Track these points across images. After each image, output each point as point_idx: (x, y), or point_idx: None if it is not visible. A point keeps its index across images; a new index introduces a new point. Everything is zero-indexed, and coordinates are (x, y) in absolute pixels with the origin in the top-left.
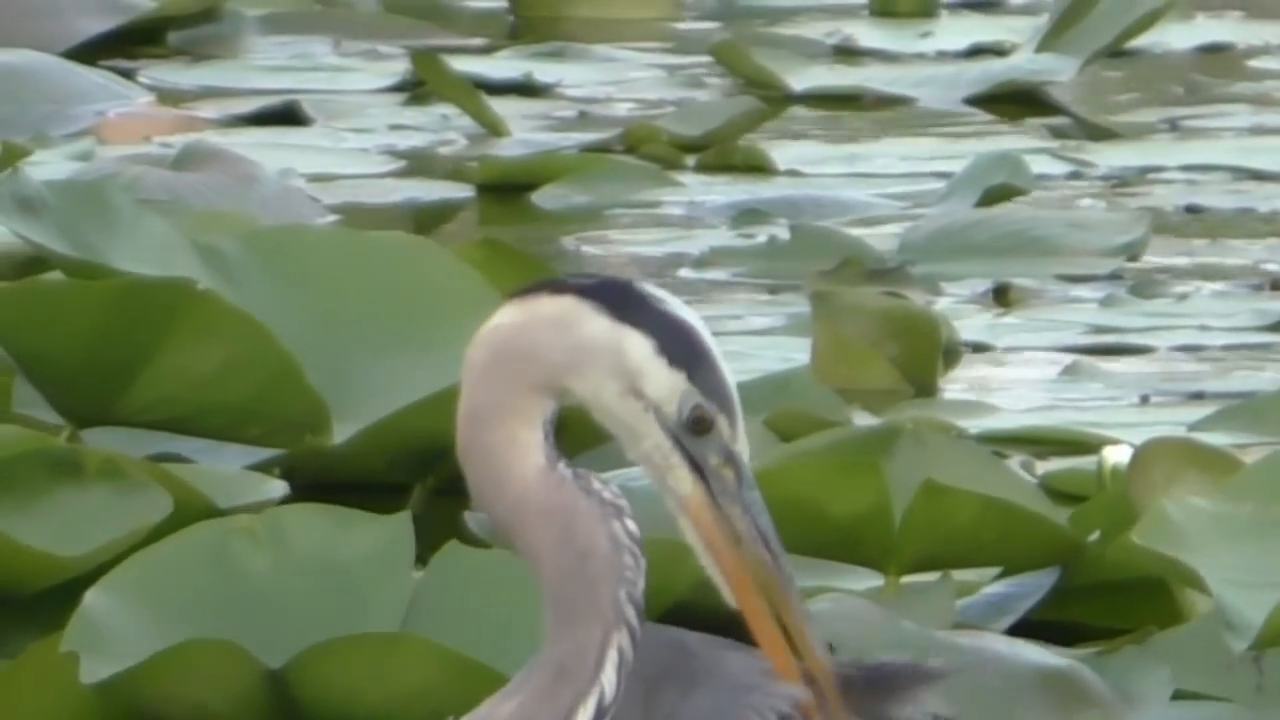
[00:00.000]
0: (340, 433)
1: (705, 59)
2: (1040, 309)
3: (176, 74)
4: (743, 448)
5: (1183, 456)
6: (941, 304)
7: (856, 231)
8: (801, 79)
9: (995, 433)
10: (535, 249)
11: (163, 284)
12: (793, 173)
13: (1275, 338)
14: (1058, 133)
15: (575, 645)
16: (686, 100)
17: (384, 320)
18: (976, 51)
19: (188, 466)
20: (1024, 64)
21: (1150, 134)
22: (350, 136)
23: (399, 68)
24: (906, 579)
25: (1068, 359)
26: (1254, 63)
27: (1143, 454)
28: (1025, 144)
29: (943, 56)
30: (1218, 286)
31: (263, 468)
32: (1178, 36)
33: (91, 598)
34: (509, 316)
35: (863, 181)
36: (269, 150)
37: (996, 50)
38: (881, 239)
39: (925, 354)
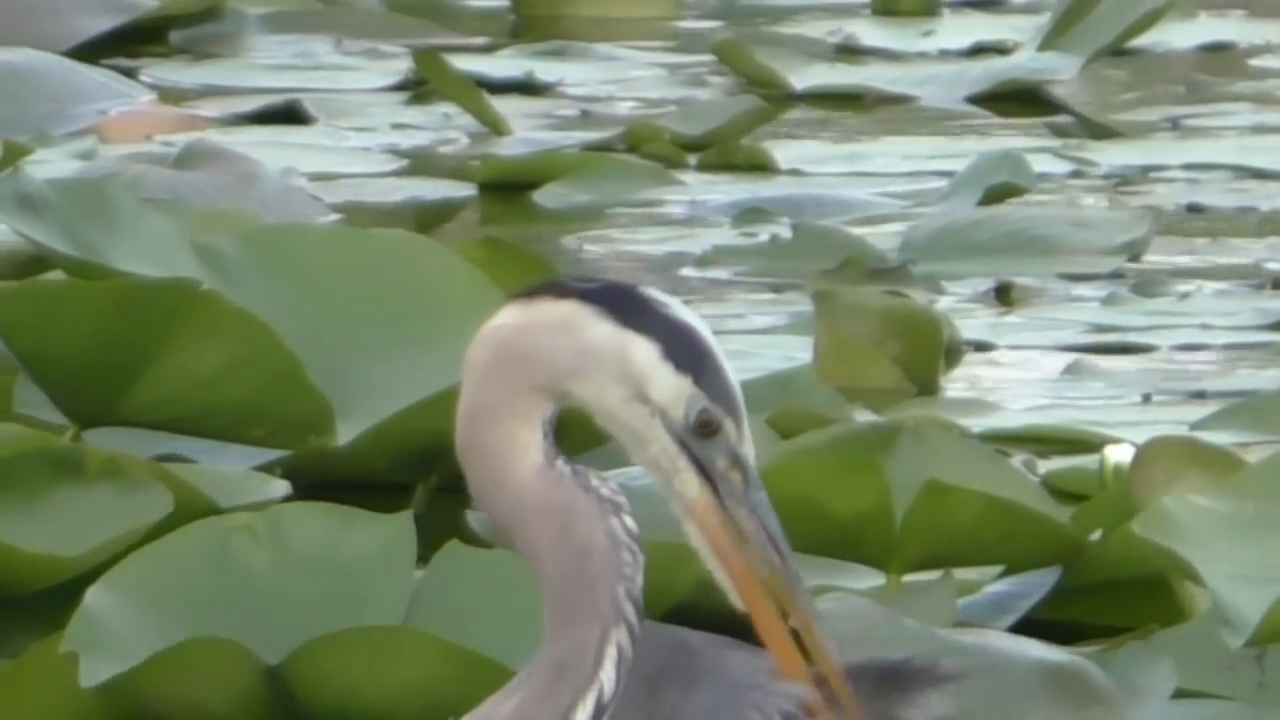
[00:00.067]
0: (342, 432)
1: (707, 58)
2: (1042, 308)
3: (178, 73)
4: (749, 450)
5: (1184, 455)
6: (943, 303)
7: (858, 230)
8: (803, 78)
9: (997, 431)
10: (537, 248)
11: (166, 284)
12: (795, 172)
13: (1277, 336)
14: (1059, 131)
15: (574, 643)
16: (688, 99)
17: (385, 319)
18: (978, 50)
19: (189, 466)
20: (1026, 63)
21: (1152, 133)
22: (352, 135)
23: (401, 66)
24: (908, 578)
25: (1069, 358)
26: (1256, 61)
27: (1144, 453)
28: (1027, 143)
29: (945, 55)
30: (1219, 285)
31: (266, 468)
32: (1179, 35)
33: (92, 597)
34: (511, 318)
35: (864, 180)
36: (271, 149)
37: (998, 49)
38: (883, 238)
39: (927, 353)
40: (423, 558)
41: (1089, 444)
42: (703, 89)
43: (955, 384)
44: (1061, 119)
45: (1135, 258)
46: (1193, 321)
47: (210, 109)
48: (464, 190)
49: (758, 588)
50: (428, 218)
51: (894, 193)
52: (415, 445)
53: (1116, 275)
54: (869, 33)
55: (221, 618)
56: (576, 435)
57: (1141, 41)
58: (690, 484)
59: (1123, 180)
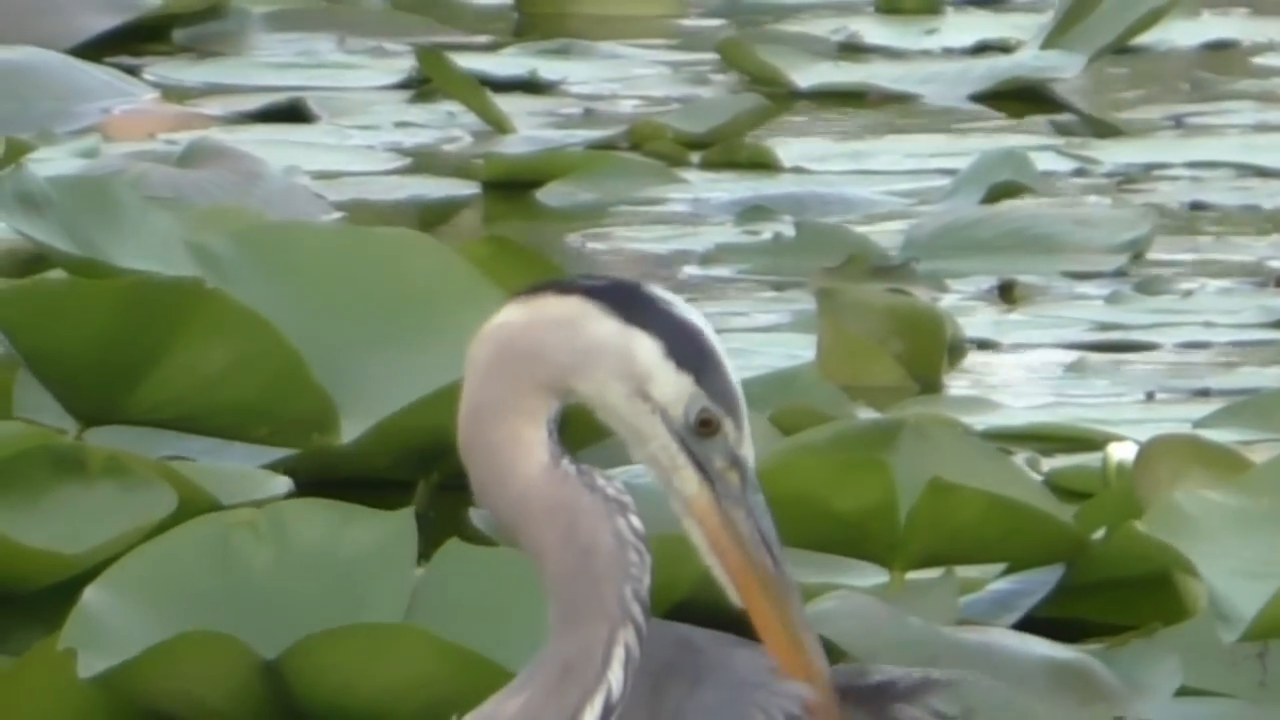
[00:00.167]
0: (346, 430)
1: (711, 56)
2: (1045, 306)
3: (181, 71)
4: (748, 451)
5: (1188, 453)
6: (946, 301)
7: (861, 228)
8: (807, 76)
9: (1000, 429)
10: (540, 246)
11: (170, 283)
12: (798, 170)
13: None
14: (1063, 130)
15: (581, 643)
16: (692, 97)
17: (385, 317)
18: (982, 48)
19: (192, 464)
20: (1029, 61)
21: (1155, 131)
22: (355, 134)
23: (404, 65)
24: (911, 575)
25: (1073, 356)
26: (1259, 60)
27: (1148, 451)
28: (1030, 141)
29: (948, 53)
30: (1223, 283)
31: (273, 468)
32: (1183, 33)
33: (91, 594)
34: (514, 315)
35: (868, 178)
36: (274, 147)
37: (1002, 47)
38: (886, 236)
39: (930, 351)
40: (424, 555)
41: (1092, 442)
42: (706, 87)
43: (958, 382)
44: (1065, 117)
45: (1138, 256)
46: (1196, 319)
47: (213, 107)
48: (467, 189)
49: (756, 584)
50: (431, 216)
51: (897, 191)
52: (417, 442)
53: (1119, 273)
54: (872, 31)
55: (221, 614)
56: (577, 431)
57: (1145, 39)
58: (689, 481)
59: (1126, 178)
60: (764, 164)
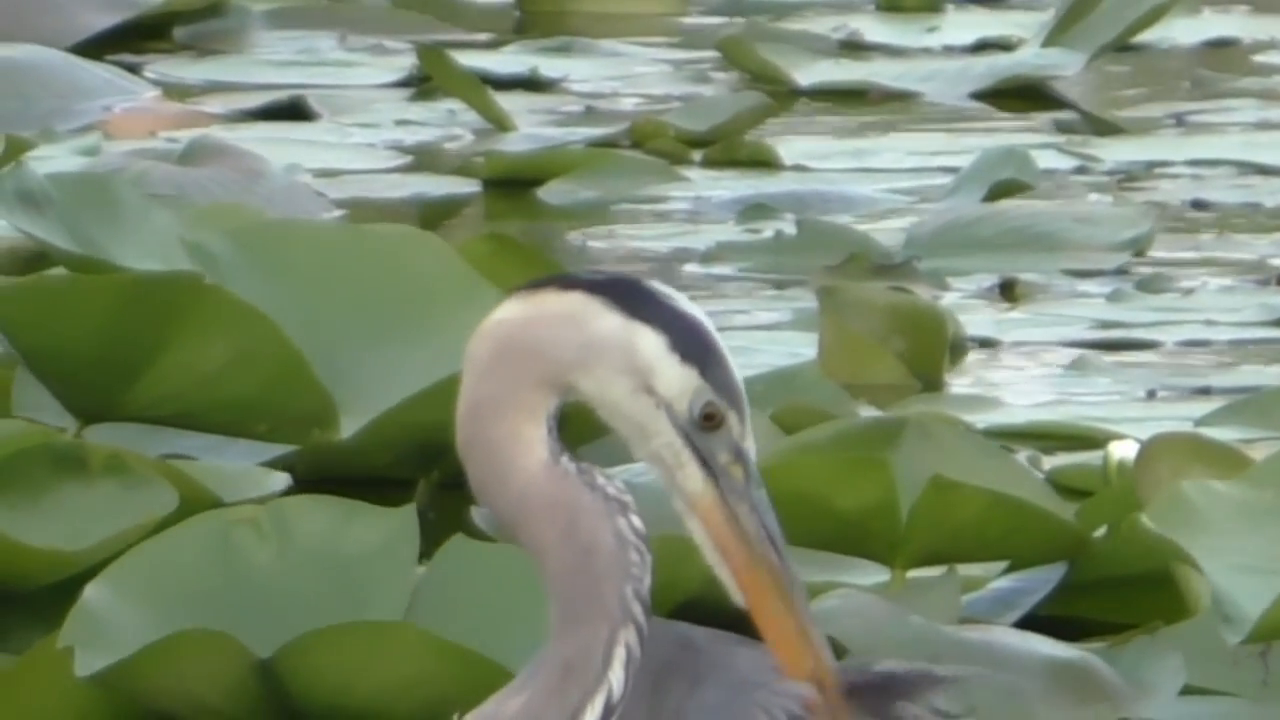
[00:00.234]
0: (345, 428)
1: (712, 54)
2: (1046, 304)
3: (182, 69)
4: (750, 445)
5: (1189, 451)
6: (948, 299)
7: (863, 227)
8: (808, 74)
9: (1002, 427)
10: (541, 244)
11: (168, 279)
12: (799, 168)
13: None
14: (1064, 128)
15: (582, 643)
16: (693, 95)
17: (384, 314)
18: (983, 46)
19: (193, 462)
20: (1030, 59)
21: (1156, 129)
22: (356, 131)
23: (405, 63)
24: (913, 573)
25: (1074, 354)
26: (1260, 58)
27: (1149, 449)
28: (1031, 139)
29: (949, 51)
30: (1224, 281)
31: (273, 465)
32: (1184, 31)
33: (92, 591)
34: (514, 311)
35: (869, 176)
36: (275, 145)
37: (1003, 45)
38: (888, 234)
39: (932, 349)
40: (424, 553)
41: (1093, 440)
42: (707, 85)
43: (960, 380)
44: (1066, 115)
45: (1139, 254)
46: (1197, 317)
47: (214, 105)
48: (468, 186)
49: (760, 583)
50: (432, 214)
51: (898, 189)
52: (416, 438)
53: (1121, 271)
54: (873, 29)
55: (223, 611)
56: (576, 428)
57: (1146, 37)
58: (694, 478)
59: (1127, 176)
60: (765, 162)
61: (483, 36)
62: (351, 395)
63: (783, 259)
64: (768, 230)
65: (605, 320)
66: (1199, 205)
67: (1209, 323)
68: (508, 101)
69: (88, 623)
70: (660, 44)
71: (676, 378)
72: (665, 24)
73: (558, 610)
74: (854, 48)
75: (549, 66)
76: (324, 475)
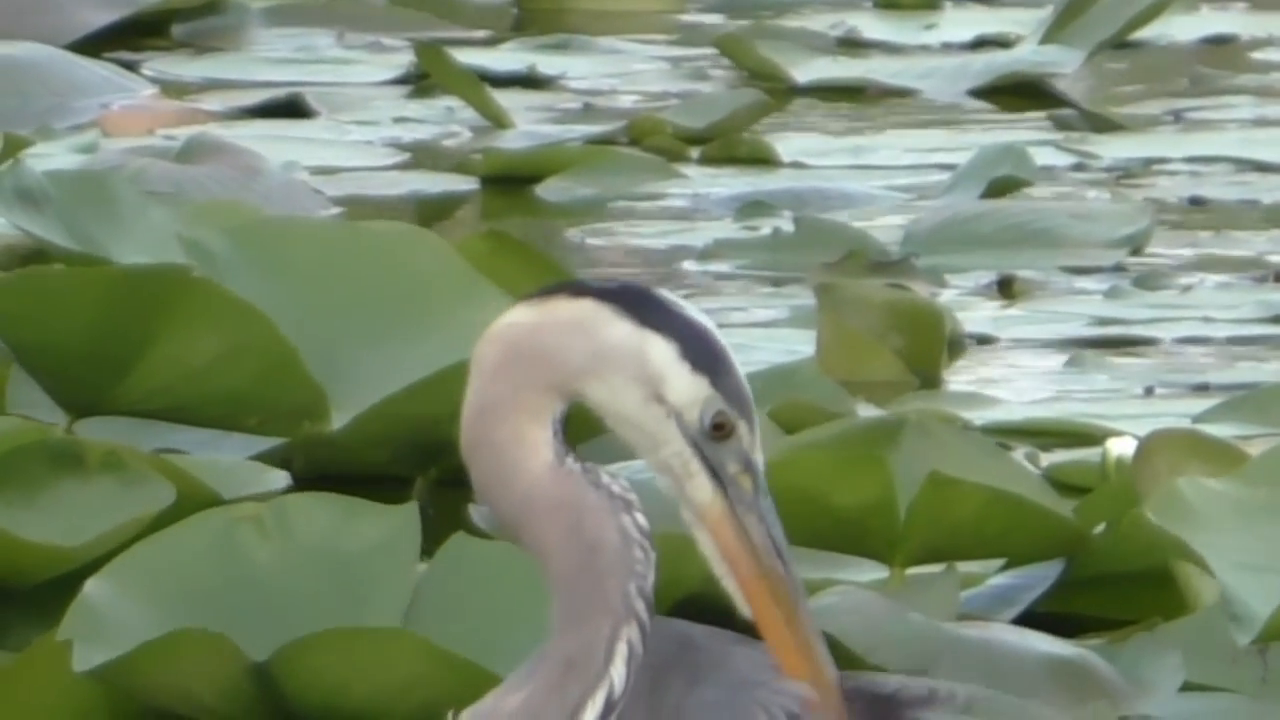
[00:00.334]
0: (337, 421)
1: (710, 51)
2: (1044, 301)
3: (180, 66)
4: (759, 456)
5: (1187, 448)
6: (946, 296)
7: (861, 224)
8: (806, 71)
9: (999, 424)
10: (539, 241)
11: (157, 271)
12: (797, 165)
13: (1279, 329)
14: (1062, 124)
15: (584, 639)
16: (691, 92)
17: (383, 312)
18: (981, 43)
19: (190, 458)
20: (1028, 56)
21: (1154, 126)
22: (354, 129)
23: (403, 60)
24: (911, 571)
25: (1072, 351)
26: (1258, 54)
27: (1147, 445)
28: (1029, 136)
29: (947, 48)
30: (1222, 278)
31: (265, 458)
32: (1182, 28)
33: (92, 586)
34: (525, 316)
35: (867, 174)
36: (273, 143)
37: (1001, 42)
38: (886, 231)
39: (930, 346)
40: (424, 551)
41: (1091, 437)
42: (705, 82)
43: (958, 377)
44: (1064, 112)
45: (1137, 251)
46: (1195, 314)
47: (212, 103)
48: (466, 184)
49: (767, 595)
50: (429, 211)
51: (896, 186)
52: (409, 432)
53: (1119, 268)
54: (871, 26)
55: (224, 608)
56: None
57: (1144, 34)
58: (703, 489)
59: (1125, 173)
60: (763, 159)
61: (481, 34)
62: (350, 392)
63: (780, 256)
64: (766, 227)
65: (616, 328)
66: (1197, 202)
67: (1207, 319)
68: (506, 99)
69: (88, 618)
70: (658, 41)
71: (687, 387)
72: (663, 21)
73: (561, 607)
74: (852, 45)
75: (547, 64)
76: (322, 472)
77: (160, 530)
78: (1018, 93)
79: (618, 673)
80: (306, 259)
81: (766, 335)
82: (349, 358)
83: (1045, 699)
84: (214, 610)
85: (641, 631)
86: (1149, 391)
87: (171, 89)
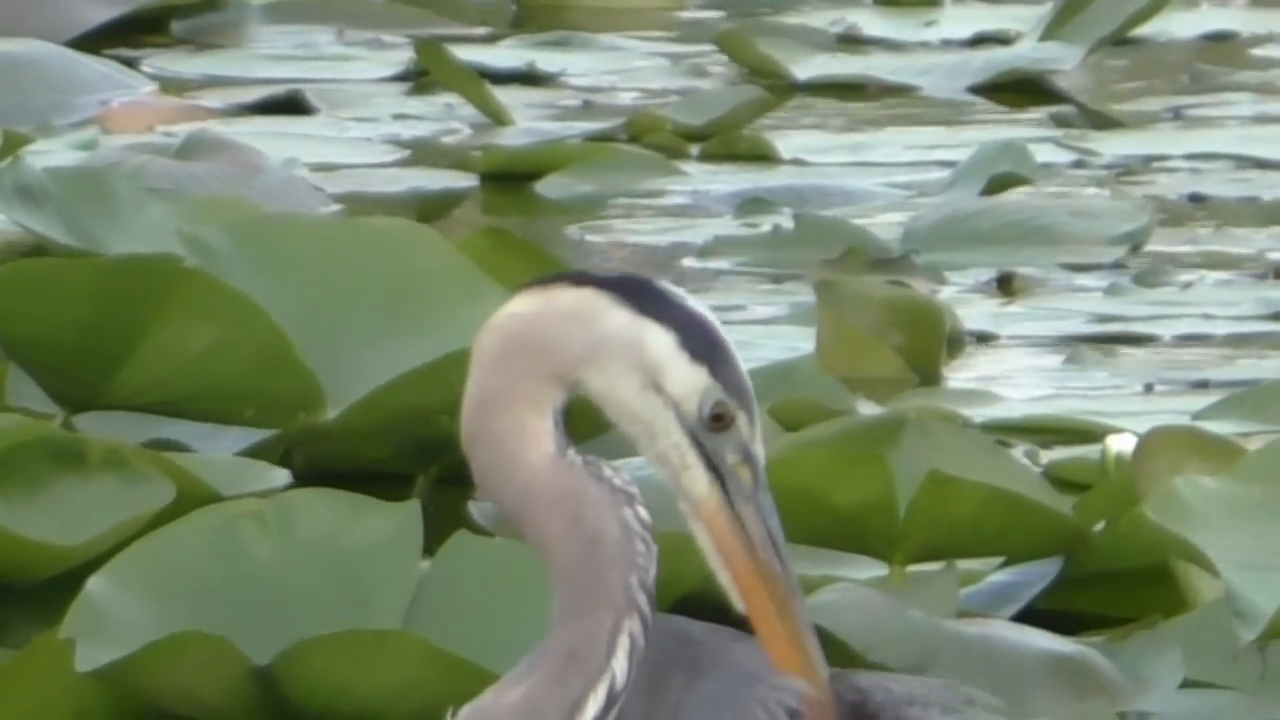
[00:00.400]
0: (335, 413)
1: (709, 48)
2: (1044, 298)
3: (180, 63)
4: (759, 448)
5: (1187, 445)
6: (946, 293)
7: (861, 220)
8: (806, 68)
9: (999, 421)
10: (539, 238)
11: (148, 261)
12: (797, 162)
13: (1278, 326)
14: (1062, 121)
15: (586, 632)
16: (690, 89)
17: (383, 309)
18: (980, 40)
19: (191, 455)
20: (1028, 52)
21: (1154, 122)
22: (354, 126)
23: (403, 57)
24: (911, 568)
25: (1071, 348)
26: (1258, 51)
27: (1147, 443)
28: (1029, 133)
29: (947, 45)
30: (1221, 275)
31: (264, 454)
32: (1182, 25)
33: (94, 584)
34: (525, 306)
35: (867, 170)
36: (273, 140)
37: (1000, 39)
38: (886, 228)
39: (929, 343)
40: (425, 548)
41: (1091, 434)
42: (705, 79)
43: (957, 374)
44: (1063, 109)
45: (1137, 248)
46: (1195, 311)
47: (212, 99)
48: (466, 181)
49: (761, 589)
50: (429, 208)
51: (896, 183)
52: (408, 425)
53: (1118, 265)
54: (871, 22)
55: (226, 605)
56: (579, 424)
57: (1144, 31)
58: (699, 480)
59: (1125, 170)
60: (763, 156)
61: (480, 31)
62: (350, 389)
63: (780, 253)
64: (765, 224)
65: (615, 317)
66: (1196, 199)
67: (1206, 316)
68: (505, 96)
69: (90, 616)
70: (658, 38)
71: (686, 376)
72: (663, 18)
73: (562, 600)
74: (852, 42)
75: (546, 61)
76: (323, 469)
77: (161, 527)
78: (1018, 89)
79: (619, 666)
80: (307, 256)
81: (766, 332)
82: (349, 355)
83: (1045, 696)
84: (216, 608)
85: (643, 625)
86: (1149, 389)
87: (171, 86)
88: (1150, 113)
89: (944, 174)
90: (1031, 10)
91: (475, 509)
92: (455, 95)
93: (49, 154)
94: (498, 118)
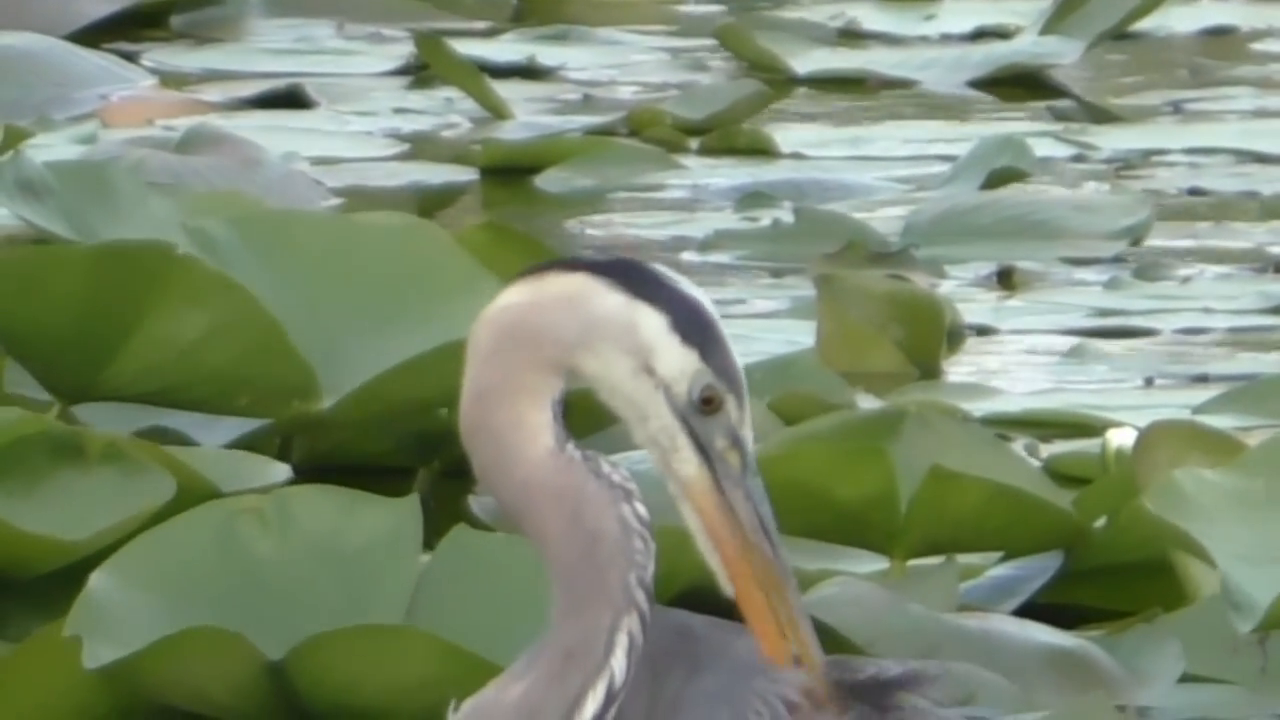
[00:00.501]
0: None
1: (709, 42)
2: (1044, 292)
3: (180, 57)
4: (748, 433)
5: (1187, 439)
6: (945, 287)
7: (860, 215)
8: (805, 62)
9: (999, 416)
10: (539, 232)
11: (139, 248)
12: (797, 156)
13: (1278, 320)
14: (1061, 116)
15: (584, 629)
16: (690, 83)
17: (383, 303)
18: (980, 34)
19: (190, 449)
20: (1028, 47)
21: (1154, 117)
22: (354, 120)
23: (403, 51)
24: (912, 563)
25: (1072, 342)
26: (1258, 45)
27: (1147, 437)
28: (1029, 127)
29: (946, 39)
30: (1221, 269)
31: (260, 444)
32: (1182, 19)
33: (97, 580)
34: (518, 296)
35: (867, 165)
36: (273, 133)
37: (1000, 33)
38: (885, 222)
39: (929, 337)
40: (425, 543)
41: (1091, 428)
42: (704, 73)
43: (957, 368)
44: (1063, 103)
45: (1137, 242)
46: (1194, 305)
47: (212, 93)
48: (466, 175)
49: (750, 573)
50: (429, 202)
51: (896, 177)
52: (406, 417)
53: (1118, 259)
54: (871, 17)
55: (227, 600)
56: (579, 419)
57: (1143, 25)
58: (688, 463)
59: (1124, 164)
60: (763, 150)
61: (480, 24)
62: (349, 381)
63: (780, 247)
64: (765, 218)
65: (608, 299)
66: (1196, 193)
67: (1206, 310)
68: (505, 90)
69: (93, 612)
70: (658, 32)
71: (677, 358)
72: (662, 12)
73: (561, 597)
74: (851, 36)
75: (546, 54)
76: (322, 464)
77: (161, 524)
78: (1017, 84)
79: (618, 663)
80: (307, 250)
81: (766, 326)
82: (349, 347)
83: (1045, 690)
84: (218, 603)
85: (642, 622)
86: (1149, 382)
87: (171, 80)
88: (1150, 107)
89: (944, 168)
90: (1031, 4)
91: (475, 503)
92: (455, 89)
93: (49, 148)
94: (498, 112)
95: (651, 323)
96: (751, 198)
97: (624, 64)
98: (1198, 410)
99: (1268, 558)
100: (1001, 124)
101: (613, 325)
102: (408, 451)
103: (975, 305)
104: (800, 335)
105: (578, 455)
